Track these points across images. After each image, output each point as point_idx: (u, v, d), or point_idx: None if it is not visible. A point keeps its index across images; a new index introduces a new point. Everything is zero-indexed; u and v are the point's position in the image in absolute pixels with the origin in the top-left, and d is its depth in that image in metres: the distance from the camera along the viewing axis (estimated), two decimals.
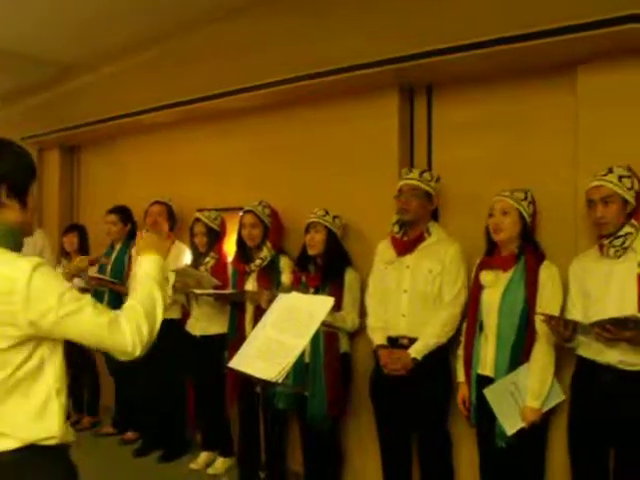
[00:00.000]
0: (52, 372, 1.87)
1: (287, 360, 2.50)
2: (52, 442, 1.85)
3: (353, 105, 4.15)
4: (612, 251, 2.93)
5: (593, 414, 2.93)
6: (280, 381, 2.49)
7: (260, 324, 2.79)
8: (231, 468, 4.49)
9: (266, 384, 2.60)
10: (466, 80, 3.78)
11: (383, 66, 3.68)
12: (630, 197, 2.92)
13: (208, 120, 5.03)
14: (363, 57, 3.75)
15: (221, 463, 4.53)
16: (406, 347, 3.42)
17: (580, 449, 3.04)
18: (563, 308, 3.12)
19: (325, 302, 2.60)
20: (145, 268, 2.06)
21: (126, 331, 1.84)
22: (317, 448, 3.92)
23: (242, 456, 4.29)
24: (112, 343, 1.85)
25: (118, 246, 5.16)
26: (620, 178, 2.92)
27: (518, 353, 3.09)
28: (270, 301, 3.07)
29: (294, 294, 2.81)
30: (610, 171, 2.95)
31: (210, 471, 4.49)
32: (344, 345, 3.86)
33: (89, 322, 1.81)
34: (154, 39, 5.21)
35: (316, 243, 3.82)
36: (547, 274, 3.13)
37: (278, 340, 2.60)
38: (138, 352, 1.86)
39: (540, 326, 3.02)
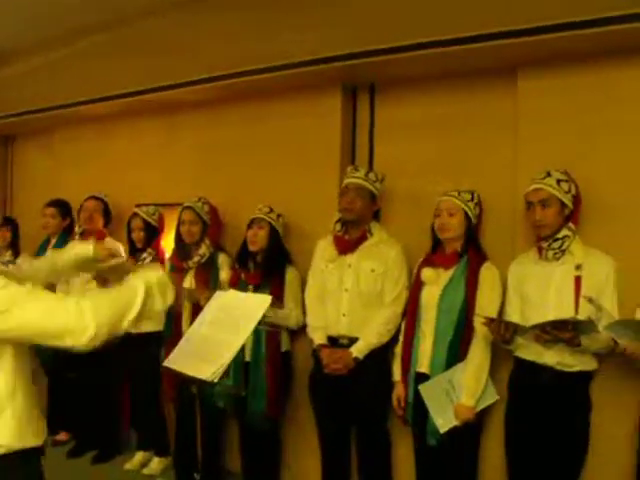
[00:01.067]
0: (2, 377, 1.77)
1: (223, 359, 2.43)
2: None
3: (296, 102, 4.13)
4: (550, 254, 2.98)
5: (531, 414, 2.98)
6: (216, 381, 2.43)
7: (196, 322, 2.73)
8: (167, 468, 4.40)
9: (202, 384, 2.55)
10: (409, 80, 3.80)
11: (327, 64, 3.66)
12: (568, 201, 2.98)
13: (149, 113, 4.93)
14: (307, 54, 3.73)
15: (157, 463, 4.44)
16: (346, 346, 3.41)
17: (516, 448, 3.09)
18: (501, 309, 3.16)
19: (263, 300, 2.55)
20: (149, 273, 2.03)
21: (77, 311, 1.76)
22: (256, 448, 3.89)
23: (178, 456, 4.22)
24: (60, 326, 1.75)
25: (54, 240, 5.00)
26: (558, 182, 2.98)
27: (455, 351, 3.12)
28: (208, 299, 3.01)
29: (231, 292, 2.76)
30: (548, 175, 3.00)
31: (145, 471, 4.39)
32: (285, 343, 3.84)
33: (34, 309, 1.72)
34: (96, 27, 5.04)
35: (259, 239, 3.78)
36: (487, 275, 3.17)
37: (214, 339, 2.55)
38: (87, 339, 1.77)
39: (478, 325, 3.05)
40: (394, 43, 3.43)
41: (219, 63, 4.11)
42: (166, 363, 2.67)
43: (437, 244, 3.31)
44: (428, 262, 3.29)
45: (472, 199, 3.25)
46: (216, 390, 3.67)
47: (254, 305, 2.56)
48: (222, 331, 2.55)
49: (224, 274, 3.91)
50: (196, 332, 2.66)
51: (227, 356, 2.43)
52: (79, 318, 1.77)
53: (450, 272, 3.21)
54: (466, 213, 3.22)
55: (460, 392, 3.08)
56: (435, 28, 3.35)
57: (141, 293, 1.93)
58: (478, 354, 3.11)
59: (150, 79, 4.53)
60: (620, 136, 3.17)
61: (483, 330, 3.02)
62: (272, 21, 4.05)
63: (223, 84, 4.13)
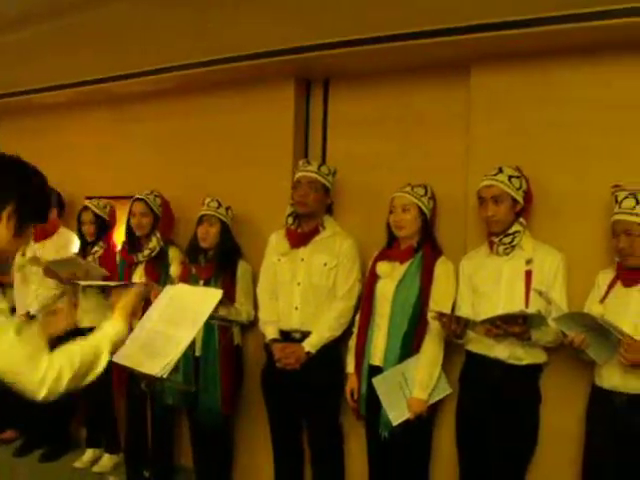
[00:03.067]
0: None
1: (172, 355, 2.40)
2: None
3: (250, 95, 4.10)
4: (501, 249, 3.02)
5: (481, 407, 3.01)
6: (165, 376, 2.39)
7: (145, 317, 2.68)
8: (118, 465, 4.35)
9: (151, 380, 2.50)
10: (363, 75, 3.81)
11: (280, 57, 3.64)
12: (519, 197, 3.01)
13: (102, 104, 4.85)
14: (260, 47, 3.69)
15: (107, 460, 4.39)
16: (298, 341, 3.40)
17: (467, 441, 3.12)
18: (455, 303, 3.18)
19: (213, 294, 2.52)
20: (109, 329, 2.00)
21: (42, 371, 1.70)
22: (208, 443, 3.85)
23: (129, 453, 4.16)
24: (25, 381, 1.69)
25: None
26: (510, 178, 3.01)
27: (409, 344, 3.13)
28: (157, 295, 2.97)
29: (182, 286, 2.72)
30: (500, 171, 3.03)
31: (95, 469, 4.34)
32: (236, 337, 3.81)
33: (11, 347, 1.66)
34: (45, 16, 4.91)
35: (210, 236, 3.74)
36: (442, 269, 3.19)
37: (164, 333, 2.50)
38: (41, 397, 1.71)
39: (432, 319, 3.06)
40: (348, 37, 3.42)
41: (170, 55, 4.06)
42: (114, 359, 2.62)
43: (393, 239, 3.31)
44: (383, 256, 3.29)
45: (425, 194, 3.26)
46: (166, 386, 3.62)
47: (204, 299, 2.53)
48: (171, 326, 2.51)
49: (174, 269, 3.86)
50: (145, 327, 2.61)
51: (176, 351, 2.40)
52: (45, 372, 1.72)
53: (405, 266, 3.21)
54: (420, 208, 3.23)
55: (413, 385, 3.09)
56: (390, 23, 3.35)
57: (105, 358, 1.93)
58: (431, 348, 3.13)
59: (100, 69, 4.44)
60: (569, 133, 3.21)
61: (436, 324, 3.03)
62: (226, 12, 3.99)
63: (174, 76, 4.07)
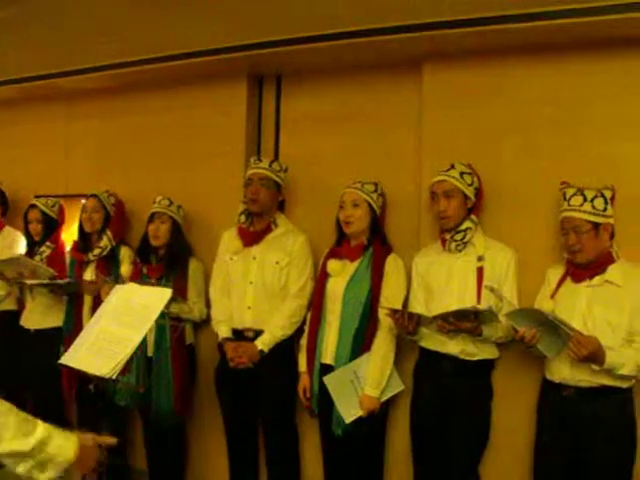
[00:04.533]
0: None
1: (122, 355, 2.38)
2: None
3: (202, 92, 4.06)
4: (453, 245, 3.04)
5: (435, 403, 3.03)
6: (114, 377, 2.36)
7: (95, 317, 2.65)
8: (69, 471, 4.24)
9: (101, 381, 2.46)
10: (316, 72, 3.79)
11: (232, 53, 3.61)
12: (470, 193, 3.05)
13: (53, 100, 4.72)
14: (212, 43, 3.65)
15: None
16: (251, 339, 3.37)
17: (421, 437, 3.14)
18: (406, 300, 3.20)
19: (163, 293, 2.50)
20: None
21: None
22: (161, 444, 3.79)
23: None
24: None
25: None
26: (462, 174, 3.04)
27: (360, 342, 3.13)
28: (108, 292, 2.92)
29: (131, 285, 2.69)
30: (452, 167, 3.06)
31: None
32: (189, 336, 3.77)
33: None
34: None
35: (161, 234, 3.70)
36: (393, 266, 3.19)
37: (113, 333, 2.47)
38: None
39: (382, 317, 3.08)
40: (301, 34, 3.41)
41: (120, 51, 3.97)
42: (63, 360, 2.58)
43: (342, 236, 3.30)
44: (334, 254, 3.29)
45: (375, 190, 3.26)
46: (118, 388, 3.56)
47: (154, 298, 2.51)
48: (121, 326, 2.48)
49: (125, 268, 3.80)
50: (95, 327, 2.58)
51: (126, 352, 2.38)
52: None
53: (356, 264, 3.21)
54: (370, 204, 3.23)
55: (365, 383, 3.09)
56: (342, 20, 3.34)
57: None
58: (382, 345, 3.13)
59: (48, 64, 4.32)
60: (520, 130, 3.25)
61: (388, 321, 3.05)
62: (177, 9, 3.93)
63: (125, 72, 4.00)
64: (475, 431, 3.05)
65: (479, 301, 2.95)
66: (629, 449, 2.72)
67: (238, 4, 3.74)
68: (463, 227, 3.04)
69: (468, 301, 2.95)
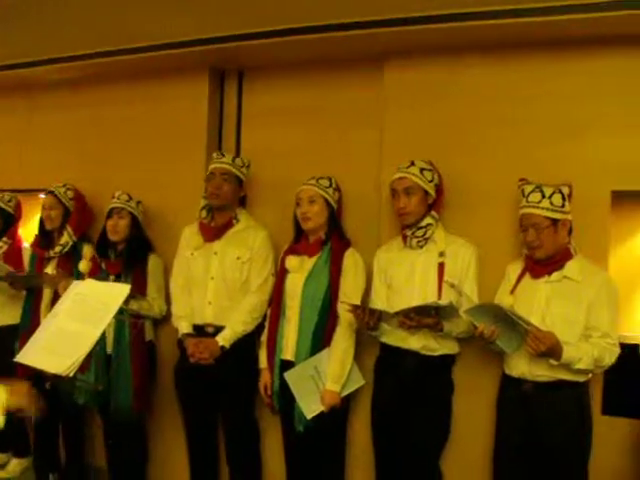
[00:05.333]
0: None
1: (79, 353, 2.33)
2: None
3: (163, 86, 4.02)
4: (414, 242, 3.06)
5: (396, 398, 3.04)
6: (71, 375, 2.32)
7: (51, 313, 2.60)
8: (27, 469, 4.18)
9: (57, 379, 2.41)
10: (278, 67, 3.79)
11: (194, 47, 3.57)
12: (430, 189, 3.06)
13: (8, 92, 4.62)
14: (174, 36, 3.61)
15: (15, 465, 4.23)
16: (212, 335, 3.35)
17: (382, 432, 3.15)
18: (365, 295, 3.21)
19: (121, 289, 2.47)
20: None
21: None
22: (121, 442, 3.74)
23: (38, 456, 4.01)
24: None
25: None
26: (422, 171, 3.05)
27: (319, 338, 3.13)
28: (67, 287, 2.87)
29: (89, 281, 2.65)
30: (412, 164, 3.07)
31: (2, 474, 4.17)
32: (149, 333, 3.74)
33: None
34: None
35: (120, 229, 3.66)
36: (351, 261, 3.19)
37: (70, 331, 2.43)
38: None
39: (342, 312, 3.08)
40: (263, 28, 3.39)
41: (82, 42, 3.91)
42: (18, 358, 2.52)
43: (300, 232, 3.30)
44: (292, 250, 3.29)
45: (330, 185, 3.26)
46: (77, 386, 3.51)
47: (112, 295, 2.47)
48: (78, 323, 2.44)
49: (83, 264, 3.74)
50: (51, 324, 2.53)
51: (83, 349, 2.34)
52: None
53: (314, 259, 3.21)
54: (326, 200, 3.23)
55: (326, 378, 3.09)
56: (304, 15, 3.33)
57: None
58: (342, 340, 3.13)
59: (8, 55, 4.23)
60: (480, 127, 3.29)
61: (347, 316, 3.05)
62: (139, 1, 3.88)
63: (85, 64, 3.94)
64: (436, 426, 3.07)
65: (440, 297, 2.96)
66: (585, 441, 2.77)
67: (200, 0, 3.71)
68: (424, 223, 3.06)
69: (429, 297, 2.97)
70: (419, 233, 3.05)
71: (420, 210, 3.06)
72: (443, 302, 2.87)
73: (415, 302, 2.93)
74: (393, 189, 3.10)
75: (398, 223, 3.19)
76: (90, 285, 2.60)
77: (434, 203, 3.10)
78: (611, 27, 2.95)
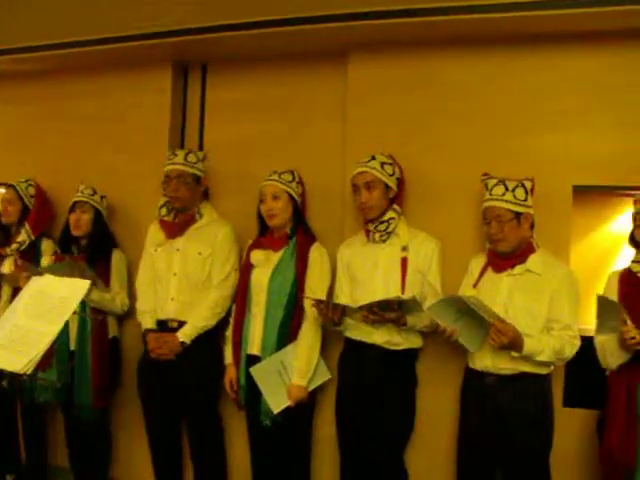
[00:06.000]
0: None
1: (37, 350, 2.28)
2: None
3: (125, 78, 3.96)
4: (377, 236, 3.05)
5: (360, 392, 3.05)
6: (29, 373, 2.27)
7: (8, 310, 2.53)
8: None
9: (15, 377, 2.36)
10: (242, 61, 3.76)
11: (155, 39, 3.53)
12: (392, 183, 3.06)
13: None
14: (136, 29, 3.56)
15: None
16: (175, 330, 3.32)
17: (347, 426, 3.15)
18: (331, 289, 3.20)
19: (81, 285, 2.41)
20: None
21: None
22: (84, 440, 3.70)
23: None
24: None
25: None
26: (382, 165, 3.05)
27: (285, 332, 3.12)
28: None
29: (47, 277, 2.58)
30: (373, 158, 3.07)
31: None
32: (113, 329, 3.69)
33: None
34: None
35: (83, 224, 3.61)
36: (316, 255, 3.19)
37: (28, 327, 2.37)
38: None
39: (308, 307, 3.08)
40: (226, 21, 3.36)
41: (40, 33, 3.82)
42: None
43: (265, 228, 3.28)
44: (257, 244, 3.27)
45: (293, 179, 3.25)
46: (38, 384, 3.45)
47: (72, 290, 2.42)
48: (36, 319, 2.38)
49: (45, 261, 3.68)
50: (8, 321, 2.47)
51: (41, 346, 2.28)
52: None
53: (279, 254, 3.20)
54: (290, 194, 3.22)
55: (292, 372, 3.09)
56: (268, 8, 3.31)
57: None
58: (308, 334, 3.13)
59: None
60: (444, 121, 3.31)
61: (313, 311, 3.04)
62: None
63: (43, 55, 3.85)
64: (400, 419, 3.08)
65: (403, 291, 2.98)
66: (547, 433, 2.81)
67: None
68: (386, 217, 3.06)
69: (392, 291, 2.97)
70: (382, 227, 3.05)
71: (382, 204, 3.06)
72: (406, 296, 2.89)
73: (378, 296, 2.93)
74: (354, 184, 3.10)
75: (361, 217, 3.19)
76: (49, 281, 2.54)
77: (396, 197, 3.11)
78: (573, 24, 2.99)
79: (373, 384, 3.01)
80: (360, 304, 2.92)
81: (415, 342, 3.08)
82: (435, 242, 3.09)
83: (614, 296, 2.72)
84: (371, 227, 3.08)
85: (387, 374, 3.03)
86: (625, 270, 2.81)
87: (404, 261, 3.02)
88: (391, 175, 3.06)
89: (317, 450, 3.40)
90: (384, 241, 3.07)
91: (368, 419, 3.03)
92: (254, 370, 3.10)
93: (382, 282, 3.05)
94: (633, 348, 2.55)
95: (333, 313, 2.93)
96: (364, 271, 3.10)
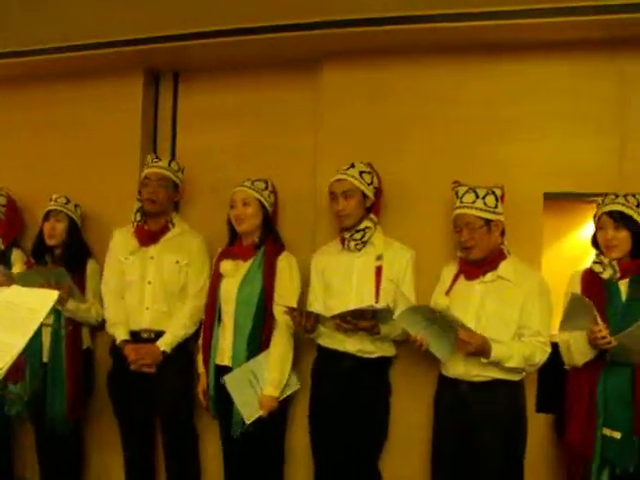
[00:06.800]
0: None
1: (3, 361, 2.24)
2: None
3: (97, 86, 3.93)
4: (353, 244, 3.05)
5: (334, 400, 3.05)
6: None
7: None
8: None
9: None
10: (214, 68, 3.75)
11: (126, 47, 3.51)
12: (369, 192, 3.07)
13: None
14: (107, 35, 3.54)
15: None
16: (149, 340, 3.30)
17: (321, 434, 3.15)
18: (302, 297, 3.20)
19: (49, 295, 2.38)
20: None
21: None
22: (56, 452, 3.64)
23: None
24: None
25: None
26: (361, 173, 3.05)
27: (255, 342, 3.10)
28: None
29: (15, 287, 2.54)
30: (352, 166, 3.07)
31: None
32: (86, 340, 3.64)
33: None
34: None
35: (57, 233, 3.58)
36: (285, 264, 3.18)
37: None
38: None
39: (279, 315, 3.07)
40: (198, 29, 3.35)
41: (9, 40, 3.78)
42: None
43: (235, 235, 3.27)
44: (226, 254, 3.25)
45: (266, 188, 3.24)
46: (9, 397, 3.40)
47: (40, 301, 2.38)
48: (3, 331, 2.34)
49: (16, 270, 3.62)
50: None
51: (7, 358, 2.24)
52: None
53: (248, 263, 3.19)
54: (261, 202, 3.21)
55: (263, 382, 3.07)
56: (240, 16, 3.31)
57: None
58: (281, 344, 3.12)
59: None
60: (417, 130, 3.32)
61: (285, 320, 3.04)
62: None
63: (14, 62, 3.81)
64: (374, 427, 3.09)
65: (377, 300, 2.98)
66: (520, 439, 2.82)
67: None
68: (362, 226, 3.06)
69: (367, 300, 2.97)
70: (357, 236, 3.05)
71: (358, 213, 3.06)
72: (379, 305, 2.89)
73: (352, 305, 2.93)
74: (332, 192, 3.09)
75: (335, 226, 3.20)
76: (15, 291, 2.51)
77: (372, 206, 3.11)
78: (541, 33, 3.04)
79: (347, 392, 3.01)
80: (334, 312, 2.92)
81: (388, 350, 3.08)
82: (410, 252, 3.09)
83: None
84: (347, 235, 3.07)
85: (360, 382, 3.03)
86: (587, 270, 2.85)
87: (378, 270, 3.03)
88: (369, 184, 3.07)
89: (291, 459, 3.38)
90: (359, 250, 3.07)
91: (342, 428, 3.03)
92: (227, 379, 3.08)
93: (356, 291, 3.05)
94: (602, 347, 2.58)
95: (306, 321, 2.93)
96: (338, 279, 3.09)
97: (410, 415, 3.17)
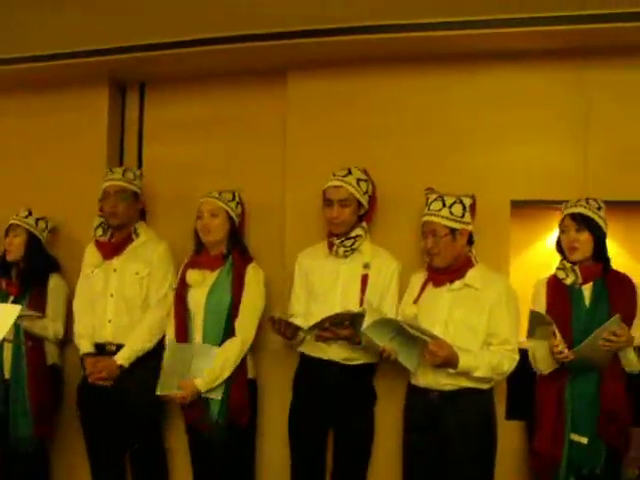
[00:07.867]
0: None
1: None
2: None
3: (62, 97, 3.87)
4: (341, 251, 3.04)
5: (318, 408, 3.04)
6: None
7: None
8: None
9: None
10: (180, 79, 3.74)
11: (91, 57, 3.47)
12: (364, 201, 3.06)
13: None
14: (72, 46, 3.49)
15: None
16: (113, 354, 3.25)
17: (303, 445, 3.13)
18: (266, 310, 3.18)
19: (11, 310, 2.33)
20: None
21: None
22: (21, 472, 3.53)
23: None
24: None
25: None
26: (358, 181, 3.04)
27: None
28: None
29: None
30: (349, 172, 3.05)
31: None
32: (53, 356, 3.57)
33: None
34: None
35: (14, 248, 3.52)
36: (252, 275, 3.16)
37: None
38: None
39: (240, 327, 3.08)
40: (163, 39, 3.33)
41: None
42: None
43: (201, 245, 3.24)
44: (193, 264, 3.22)
45: (233, 199, 3.23)
46: None
47: (0, 317, 2.33)
48: None
49: None
50: None
51: None
52: None
53: (215, 274, 3.16)
54: (228, 213, 3.19)
55: (195, 370, 3.03)
56: (206, 26, 3.30)
57: None
58: (230, 351, 3.06)
59: None
60: (384, 138, 3.33)
61: (245, 336, 3.07)
62: (34, 7, 3.71)
63: None
64: (360, 435, 3.08)
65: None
66: (489, 447, 2.82)
67: (100, 6, 3.60)
68: (353, 234, 3.05)
69: (351, 307, 2.95)
70: (347, 243, 3.04)
71: (351, 220, 3.06)
72: (356, 310, 2.87)
73: (336, 311, 2.90)
74: (328, 198, 3.06)
75: (303, 236, 3.20)
76: None
77: (365, 214, 3.11)
78: (506, 43, 3.07)
79: (331, 400, 3.00)
80: (317, 315, 2.91)
81: (371, 357, 3.01)
82: (396, 263, 3.08)
83: (542, 303, 2.82)
84: (336, 241, 3.05)
85: (345, 389, 3.02)
86: (551, 277, 2.87)
87: (364, 278, 3.02)
88: (365, 193, 3.06)
89: (261, 472, 3.36)
90: (347, 257, 3.06)
91: (325, 437, 3.04)
92: (172, 344, 3.11)
93: (340, 297, 3.03)
94: (560, 360, 2.63)
95: (285, 329, 2.92)
96: (323, 284, 3.08)
97: (382, 423, 3.12)
